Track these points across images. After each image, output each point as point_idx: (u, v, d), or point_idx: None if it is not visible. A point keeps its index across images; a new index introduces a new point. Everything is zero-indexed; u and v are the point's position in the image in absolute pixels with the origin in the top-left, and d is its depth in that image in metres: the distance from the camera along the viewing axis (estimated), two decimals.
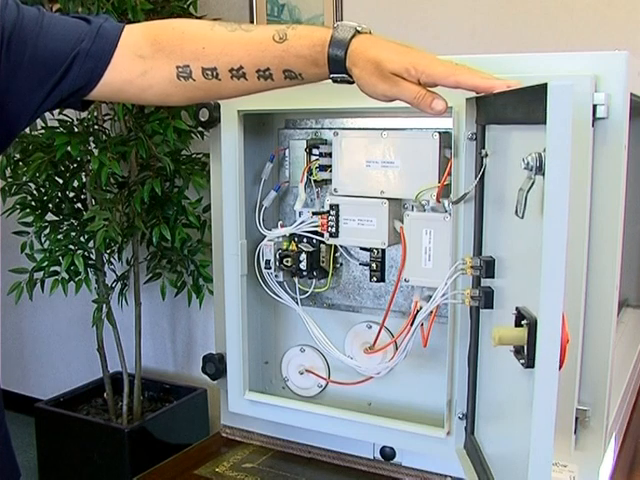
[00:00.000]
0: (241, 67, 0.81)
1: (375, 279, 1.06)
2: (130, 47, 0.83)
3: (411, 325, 0.97)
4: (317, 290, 1.12)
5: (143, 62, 0.84)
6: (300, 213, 1.10)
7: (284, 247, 1.10)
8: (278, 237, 1.10)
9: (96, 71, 0.82)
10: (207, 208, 2.09)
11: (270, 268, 1.10)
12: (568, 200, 0.59)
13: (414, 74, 0.76)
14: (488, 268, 0.80)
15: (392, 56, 0.77)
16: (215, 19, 2.20)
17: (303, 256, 1.08)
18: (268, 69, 0.81)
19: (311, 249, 1.09)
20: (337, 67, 0.79)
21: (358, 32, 0.80)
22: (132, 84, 0.84)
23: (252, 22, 2.30)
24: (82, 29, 0.82)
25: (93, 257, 2.21)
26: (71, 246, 2.10)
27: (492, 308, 0.81)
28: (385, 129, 1.00)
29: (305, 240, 1.10)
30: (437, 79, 0.76)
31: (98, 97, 0.85)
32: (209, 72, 0.82)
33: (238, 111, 1.06)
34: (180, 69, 0.83)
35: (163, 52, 0.83)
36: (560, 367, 0.62)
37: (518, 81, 0.73)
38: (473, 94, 0.80)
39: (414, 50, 0.79)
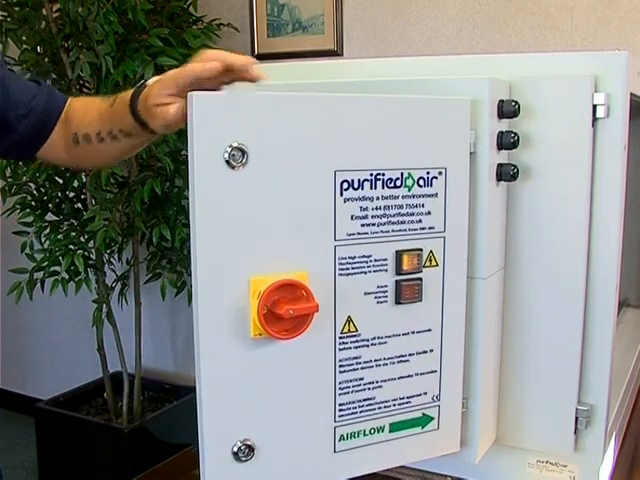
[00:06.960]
0: (111, 131, 0.93)
1: None
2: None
3: None
4: None
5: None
6: None
7: None
8: None
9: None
10: None
11: None
12: None
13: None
14: None
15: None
16: (214, 20, 2.21)
17: None
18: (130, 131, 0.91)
19: None
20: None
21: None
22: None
23: (252, 22, 2.31)
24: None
25: (93, 257, 2.22)
26: (71, 246, 2.10)
27: None
28: None
29: None
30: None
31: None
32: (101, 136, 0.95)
33: None
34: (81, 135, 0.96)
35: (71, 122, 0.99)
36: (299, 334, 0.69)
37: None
38: None
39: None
